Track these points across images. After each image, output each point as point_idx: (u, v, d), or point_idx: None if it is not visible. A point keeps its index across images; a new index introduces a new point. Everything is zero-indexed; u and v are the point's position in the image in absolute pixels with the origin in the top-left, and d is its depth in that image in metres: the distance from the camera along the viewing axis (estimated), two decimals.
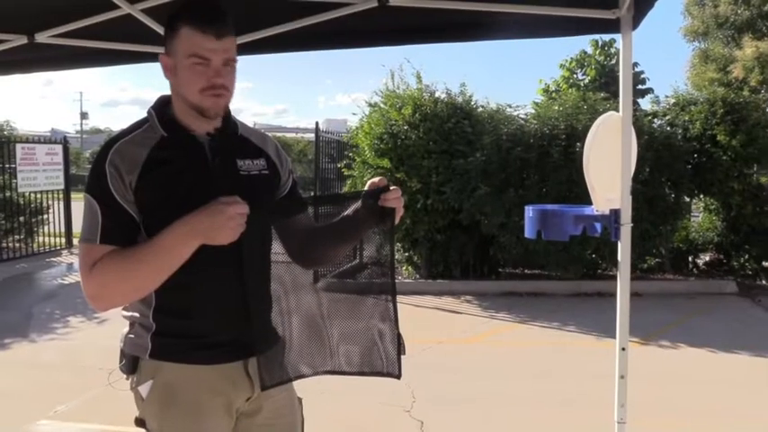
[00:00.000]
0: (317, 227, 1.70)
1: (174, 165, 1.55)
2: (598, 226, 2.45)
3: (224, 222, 1.42)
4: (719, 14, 9.90)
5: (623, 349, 2.36)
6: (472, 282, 8.12)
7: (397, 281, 6.97)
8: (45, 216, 11.43)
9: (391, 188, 1.58)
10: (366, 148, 8.22)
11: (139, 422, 1.64)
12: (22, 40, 2.64)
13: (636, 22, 2.34)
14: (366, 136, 8.22)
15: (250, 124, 1.84)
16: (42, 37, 2.62)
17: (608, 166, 2.34)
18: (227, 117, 1.67)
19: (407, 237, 8.17)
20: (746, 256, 8.53)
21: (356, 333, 1.65)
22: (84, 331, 6.29)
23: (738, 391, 4.57)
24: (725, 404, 4.29)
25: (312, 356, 1.65)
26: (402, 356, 1.65)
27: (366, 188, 1.60)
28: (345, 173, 8.63)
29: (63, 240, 11.73)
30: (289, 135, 38.47)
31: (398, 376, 1.66)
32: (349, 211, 1.62)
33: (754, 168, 8.54)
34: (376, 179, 1.62)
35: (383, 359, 1.64)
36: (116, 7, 2.34)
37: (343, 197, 1.69)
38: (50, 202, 11.45)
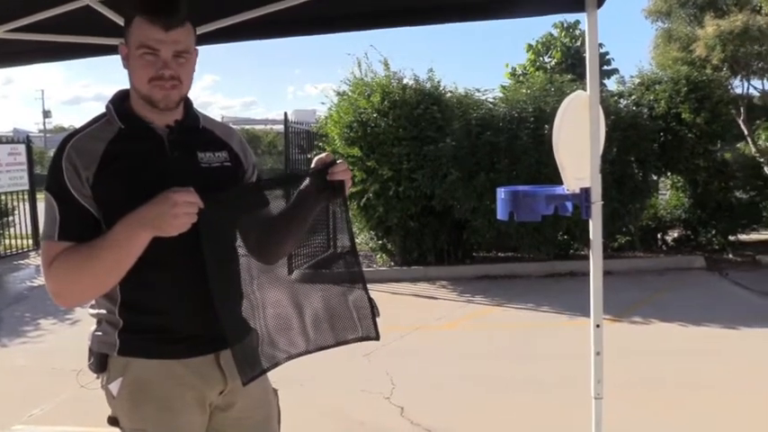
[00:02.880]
0: (271, 218, 1.67)
1: (132, 158, 1.53)
2: (569, 205, 2.48)
3: (169, 210, 1.39)
4: None
5: (598, 326, 2.39)
6: (447, 267, 8.16)
7: (371, 269, 6.98)
8: (10, 218, 11.16)
9: (338, 161, 1.58)
10: (336, 138, 8.18)
11: (112, 421, 1.62)
12: None
13: (600, 1, 2.35)
14: (335, 125, 8.18)
15: (218, 118, 1.81)
16: None
17: (577, 146, 2.36)
18: (188, 109, 1.64)
19: (381, 225, 8.17)
20: (713, 232, 8.72)
21: (328, 306, 1.65)
22: (55, 333, 6.18)
23: (710, 362, 4.68)
24: (697, 376, 4.39)
25: (288, 342, 1.63)
26: (377, 318, 1.65)
27: (312, 165, 1.60)
28: None
29: (30, 242, 11.47)
30: (258, 127, 38.16)
31: (377, 337, 1.65)
32: (300, 191, 1.61)
33: (719, 145, 8.71)
34: (322, 155, 1.61)
35: (359, 324, 1.64)
36: None
37: (292, 177, 1.66)
38: (15, 204, 11.19)
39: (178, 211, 1.39)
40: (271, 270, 1.69)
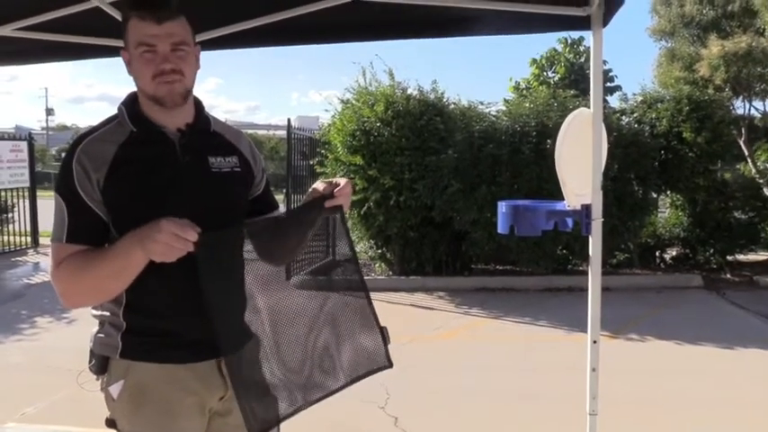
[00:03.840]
0: (270, 242, 1.67)
1: (144, 162, 1.53)
2: (569, 221, 2.49)
3: (155, 236, 1.38)
4: (686, 14, 10.08)
5: (595, 342, 2.39)
6: (445, 278, 8.16)
7: (369, 278, 6.93)
8: (10, 215, 11.16)
9: (339, 184, 1.59)
10: (339, 145, 8.19)
11: (110, 423, 1.61)
12: None
13: (606, 20, 2.37)
14: (339, 133, 8.19)
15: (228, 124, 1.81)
16: (6, 30, 2.55)
17: (579, 162, 2.37)
18: (200, 112, 1.64)
19: (380, 234, 8.18)
20: (711, 251, 8.72)
21: (341, 341, 1.65)
22: (52, 332, 6.17)
23: (705, 381, 4.67)
24: (693, 394, 4.38)
25: (302, 387, 1.61)
26: (389, 345, 1.66)
27: (311, 192, 1.62)
28: (318, 170, 8.59)
29: (29, 239, 11.47)
30: (260, 132, 38.21)
31: (391, 365, 1.67)
32: (301, 220, 1.64)
33: (719, 165, 8.73)
34: (320, 186, 1.61)
35: (371, 355, 1.65)
36: (84, 0, 2.29)
37: (294, 214, 1.65)
38: (15, 201, 11.18)
39: (163, 239, 1.38)
40: (280, 286, 1.70)
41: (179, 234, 1.38)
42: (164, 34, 1.49)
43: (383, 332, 1.65)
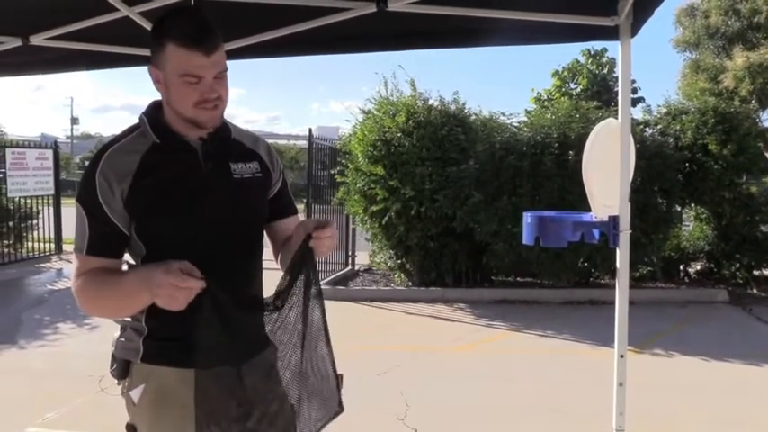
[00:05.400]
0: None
1: (168, 171, 1.54)
2: (596, 232, 2.45)
3: (159, 293, 1.38)
4: (710, 25, 9.98)
5: (621, 356, 2.35)
6: (465, 289, 8.11)
7: (389, 288, 6.89)
8: (35, 221, 11.33)
9: (319, 230, 1.52)
10: (359, 155, 8.21)
11: (131, 428, 1.62)
12: (16, 42, 2.61)
13: (634, 30, 2.35)
14: (359, 143, 8.21)
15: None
16: (37, 39, 2.60)
17: (606, 173, 2.35)
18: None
19: (400, 244, 8.16)
20: (737, 265, 8.57)
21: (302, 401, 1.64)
22: (73, 338, 6.23)
23: (733, 398, 4.57)
24: (720, 411, 4.29)
25: None
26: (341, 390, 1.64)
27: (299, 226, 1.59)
28: (338, 179, 8.61)
29: (53, 246, 11.62)
30: (281, 142, 38.44)
31: (342, 409, 1.66)
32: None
33: (745, 178, 8.60)
34: (309, 224, 1.56)
35: (330, 402, 1.64)
36: (114, 9, 2.32)
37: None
38: (40, 208, 11.35)
39: (164, 293, 1.38)
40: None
41: (179, 285, 1.36)
42: (210, 65, 1.49)
43: (339, 379, 1.64)
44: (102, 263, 1.53)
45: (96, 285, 1.52)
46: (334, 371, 1.62)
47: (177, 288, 1.36)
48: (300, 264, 1.52)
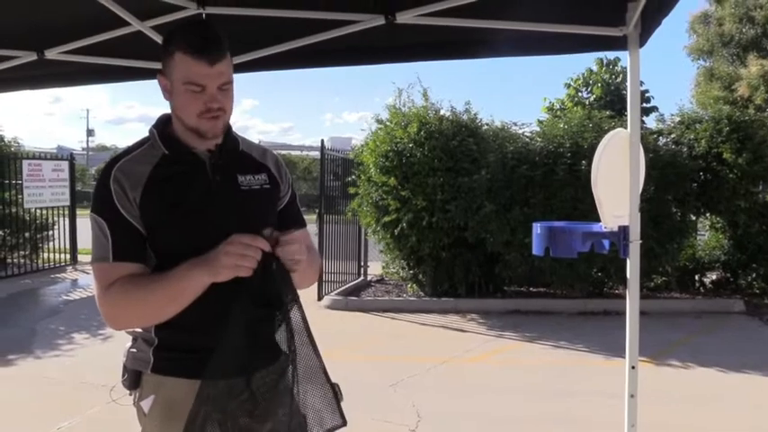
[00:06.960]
0: None
1: (176, 182, 1.56)
2: (606, 243, 2.44)
3: (229, 249, 1.43)
4: (724, 33, 9.94)
5: (633, 368, 2.33)
6: (477, 300, 8.07)
7: (401, 298, 6.86)
8: (50, 232, 11.45)
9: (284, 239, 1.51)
10: (371, 166, 8.22)
11: None
12: (31, 56, 2.66)
13: (643, 40, 2.34)
14: (371, 153, 8.23)
15: (255, 142, 1.83)
16: (52, 53, 2.64)
17: (616, 183, 2.34)
18: (228, 133, 1.67)
19: (413, 254, 8.15)
20: (753, 275, 8.47)
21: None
22: (88, 348, 6.27)
23: (749, 410, 4.51)
24: (735, 424, 4.23)
25: None
26: (341, 402, 1.62)
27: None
28: (351, 191, 8.63)
29: (68, 257, 11.73)
30: (294, 153, 38.66)
31: (344, 423, 1.63)
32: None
33: (761, 187, 8.51)
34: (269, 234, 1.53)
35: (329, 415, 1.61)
36: (126, 24, 2.36)
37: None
38: (56, 219, 11.47)
39: (234, 250, 1.43)
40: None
41: (249, 243, 1.43)
42: (214, 74, 1.51)
43: (335, 389, 1.61)
44: (130, 269, 1.51)
45: (131, 287, 1.49)
46: (328, 380, 1.59)
47: (246, 247, 1.42)
48: (274, 276, 1.51)
